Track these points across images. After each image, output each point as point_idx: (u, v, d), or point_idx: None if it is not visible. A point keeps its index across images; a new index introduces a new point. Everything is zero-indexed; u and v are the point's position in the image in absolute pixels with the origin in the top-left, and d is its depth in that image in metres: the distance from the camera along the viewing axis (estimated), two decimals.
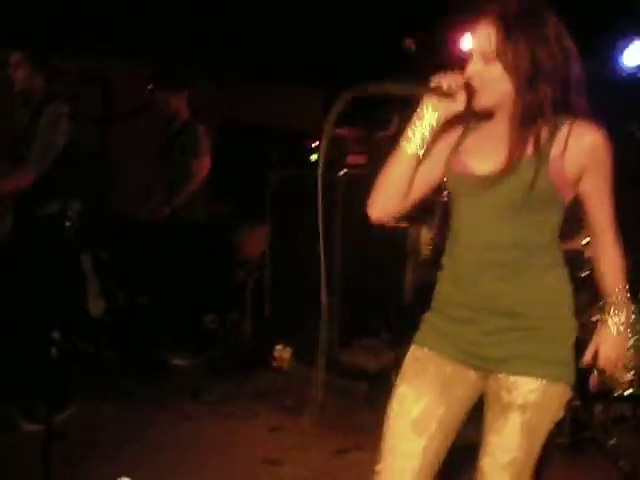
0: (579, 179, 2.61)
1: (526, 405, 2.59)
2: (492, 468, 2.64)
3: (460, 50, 6.78)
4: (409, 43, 7.23)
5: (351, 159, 6.74)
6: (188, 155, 6.69)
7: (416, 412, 2.69)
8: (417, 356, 2.78)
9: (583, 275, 5.20)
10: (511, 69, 2.49)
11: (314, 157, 6.83)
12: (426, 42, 7.03)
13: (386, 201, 2.76)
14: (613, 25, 6.38)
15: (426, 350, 2.76)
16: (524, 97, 2.51)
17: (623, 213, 2.87)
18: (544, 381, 2.60)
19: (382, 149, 6.91)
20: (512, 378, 2.61)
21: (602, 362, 2.85)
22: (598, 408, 5.68)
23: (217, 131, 7.26)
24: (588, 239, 5.15)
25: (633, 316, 3.00)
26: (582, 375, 5.48)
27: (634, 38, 6.43)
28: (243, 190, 7.36)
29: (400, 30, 7.14)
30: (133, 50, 7.52)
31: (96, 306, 6.44)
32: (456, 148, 2.70)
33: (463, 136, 2.72)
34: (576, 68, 2.57)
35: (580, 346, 2.92)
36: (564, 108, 2.54)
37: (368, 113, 7.42)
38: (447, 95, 2.53)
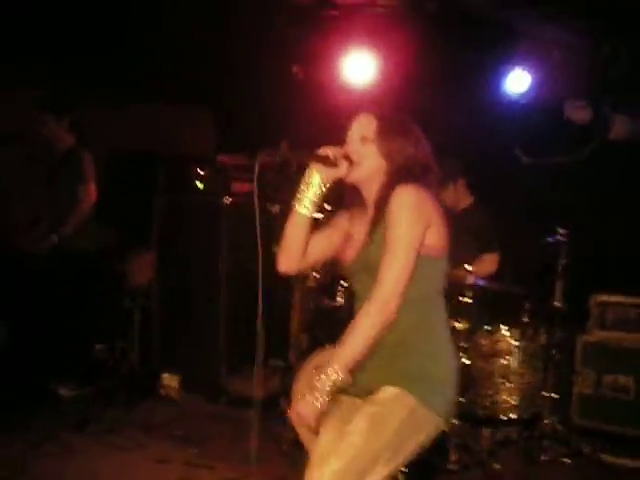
0: None
1: (378, 401, 2.96)
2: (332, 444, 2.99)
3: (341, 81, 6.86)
4: (298, 70, 7.28)
5: (236, 186, 6.71)
6: (75, 182, 6.58)
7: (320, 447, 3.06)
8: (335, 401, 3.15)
9: (463, 301, 5.29)
10: (385, 153, 3.13)
11: (200, 184, 6.79)
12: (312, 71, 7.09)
13: (287, 259, 3.28)
14: (497, 53, 6.51)
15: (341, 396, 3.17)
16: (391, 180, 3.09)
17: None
18: (397, 389, 2.97)
19: (268, 176, 6.92)
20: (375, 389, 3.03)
21: (292, 415, 3.10)
22: (486, 432, 5.78)
23: (104, 157, 7.14)
24: (470, 267, 5.32)
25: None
26: (471, 400, 5.59)
27: (516, 65, 6.57)
28: (129, 216, 7.25)
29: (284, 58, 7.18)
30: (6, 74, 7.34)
31: None
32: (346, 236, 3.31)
33: (351, 225, 3.32)
34: (426, 155, 3.19)
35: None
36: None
37: (254, 139, 7.46)
38: (332, 163, 3.09)
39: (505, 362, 5.65)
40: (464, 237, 5.82)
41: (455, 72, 6.48)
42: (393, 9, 6.37)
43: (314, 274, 6.06)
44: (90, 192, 6.62)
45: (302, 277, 6.55)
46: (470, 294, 5.25)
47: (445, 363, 3.09)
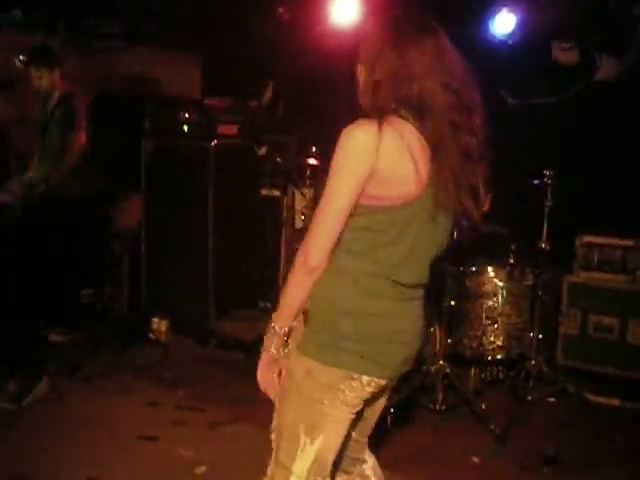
0: None
1: (287, 370, 2.81)
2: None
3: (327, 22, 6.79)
4: (283, 11, 7.22)
5: (222, 129, 6.66)
6: (65, 129, 6.57)
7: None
8: None
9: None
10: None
11: (187, 127, 6.75)
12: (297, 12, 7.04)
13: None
14: None
15: None
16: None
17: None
18: (296, 352, 2.77)
19: (255, 118, 6.91)
20: None
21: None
22: (472, 373, 5.86)
23: (92, 101, 7.08)
24: None
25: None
26: (458, 341, 5.64)
27: (502, 6, 6.53)
28: (117, 160, 7.21)
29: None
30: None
31: None
32: None
33: None
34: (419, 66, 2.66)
35: None
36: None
37: (241, 81, 7.41)
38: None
39: (491, 303, 5.69)
40: None
41: (440, 12, 6.42)
42: None
43: (302, 217, 6.09)
44: (79, 140, 6.61)
45: (289, 220, 6.58)
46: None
47: (364, 319, 2.68)
